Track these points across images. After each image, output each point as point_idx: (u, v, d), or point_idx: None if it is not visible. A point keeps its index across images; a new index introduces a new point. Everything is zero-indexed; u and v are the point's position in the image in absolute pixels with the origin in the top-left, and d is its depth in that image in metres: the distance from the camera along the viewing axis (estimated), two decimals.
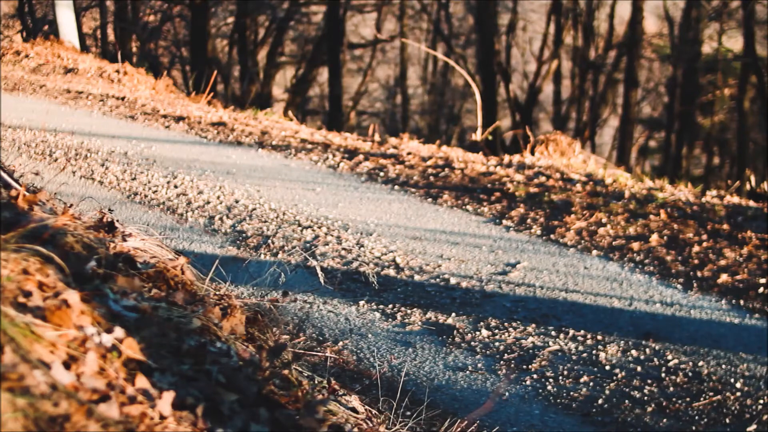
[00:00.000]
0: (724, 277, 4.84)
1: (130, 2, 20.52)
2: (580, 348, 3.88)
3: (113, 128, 8.77)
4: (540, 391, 3.45)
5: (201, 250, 4.90)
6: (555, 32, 24.83)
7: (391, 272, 4.75)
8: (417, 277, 4.69)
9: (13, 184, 2.22)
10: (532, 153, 8.76)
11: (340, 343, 3.75)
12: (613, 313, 4.31)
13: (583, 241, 5.47)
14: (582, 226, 5.74)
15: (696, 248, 5.33)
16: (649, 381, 3.58)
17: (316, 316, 4.05)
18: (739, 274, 4.89)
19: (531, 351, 3.82)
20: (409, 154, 7.95)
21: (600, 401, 3.39)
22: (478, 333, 3.98)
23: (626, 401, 3.40)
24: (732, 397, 3.47)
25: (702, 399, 3.45)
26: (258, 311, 2.28)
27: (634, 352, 3.85)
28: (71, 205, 2.27)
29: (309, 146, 8.34)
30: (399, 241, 5.30)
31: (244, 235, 5.26)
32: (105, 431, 1.18)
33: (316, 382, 2.51)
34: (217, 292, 2.23)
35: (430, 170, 7.33)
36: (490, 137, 13.76)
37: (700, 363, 3.77)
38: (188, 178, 6.61)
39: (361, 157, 7.82)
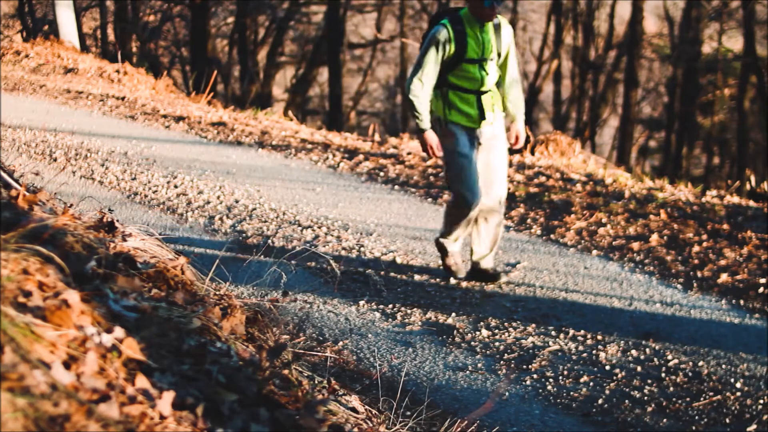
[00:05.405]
0: (724, 277, 4.84)
1: (130, 2, 20.51)
2: (580, 348, 3.88)
3: (113, 128, 8.77)
4: (540, 391, 3.45)
5: (201, 250, 4.90)
6: (555, 32, 24.84)
7: (391, 272, 4.75)
8: (417, 277, 4.68)
9: (13, 184, 2.22)
10: (532, 153, 8.77)
11: (340, 343, 3.75)
12: (613, 313, 4.31)
13: (583, 241, 5.47)
14: (582, 226, 5.74)
15: (696, 248, 5.33)
16: (649, 381, 3.58)
17: (316, 316, 4.05)
18: (739, 274, 4.89)
19: (531, 351, 3.82)
20: (409, 154, 7.95)
21: (600, 401, 3.39)
22: (478, 333, 3.97)
23: (626, 401, 3.40)
24: (732, 397, 3.47)
25: (702, 399, 3.44)
26: (258, 311, 2.28)
27: (634, 352, 3.85)
28: (71, 205, 2.27)
29: (309, 146, 8.34)
30: (399, 241, 5.30)
31: (244, 235, 5.26)
32: (105, 431, 1.18)
33: (316, 382, 2.51)
34: (217, 292, 2.23)
35: (430, 170, 7.32)
36: None
37: (700, 363, 3.77)
38: (188, 178, 6.61)
39: (361, 157, 7.82)
